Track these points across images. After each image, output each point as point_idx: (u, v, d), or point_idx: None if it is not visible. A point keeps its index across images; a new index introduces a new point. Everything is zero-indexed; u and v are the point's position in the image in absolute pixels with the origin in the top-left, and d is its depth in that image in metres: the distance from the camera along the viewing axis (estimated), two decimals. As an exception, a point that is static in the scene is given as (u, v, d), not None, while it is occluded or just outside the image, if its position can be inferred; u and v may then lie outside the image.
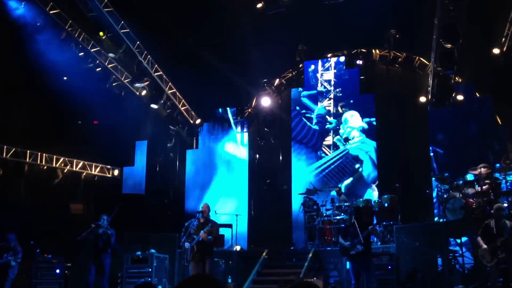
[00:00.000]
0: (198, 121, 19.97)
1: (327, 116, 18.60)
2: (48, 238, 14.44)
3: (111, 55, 17.23)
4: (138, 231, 15.30)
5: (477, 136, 16.28)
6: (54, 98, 17.38)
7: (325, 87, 18.78)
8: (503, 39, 14.71)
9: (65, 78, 17.78)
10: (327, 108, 18.68)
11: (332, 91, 18.68)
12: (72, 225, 16.07)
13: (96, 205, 17.04)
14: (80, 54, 17.79)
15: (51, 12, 16.63)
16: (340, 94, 18.54)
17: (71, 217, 18.06)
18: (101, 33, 16.50)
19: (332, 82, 18.77)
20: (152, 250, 13.70)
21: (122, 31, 16.73)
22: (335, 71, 18.77)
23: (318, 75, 18.91)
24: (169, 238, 14.62)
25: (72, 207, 18.92)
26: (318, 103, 18.79)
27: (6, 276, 12.45)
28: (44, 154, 18.79)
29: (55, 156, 19.04)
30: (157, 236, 15.31)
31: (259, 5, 17.52)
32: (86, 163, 19.79)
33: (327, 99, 18.73)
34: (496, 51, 15.03)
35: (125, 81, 18.47)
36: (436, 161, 16.71)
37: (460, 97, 16.17)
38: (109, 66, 18.15)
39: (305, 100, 19.01)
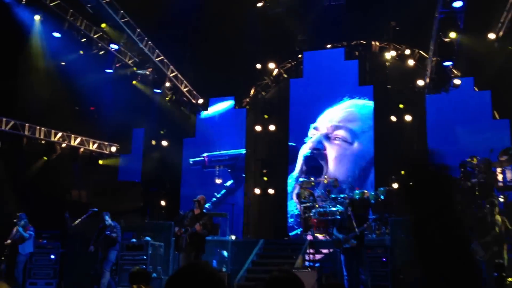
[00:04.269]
0: (200, 100, 19.55)
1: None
2: (43, 223, 14.34)
3: (113, 45, 17.25)
4: (134, 219, 15.30)
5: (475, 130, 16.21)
6: (53, 83, 17.22)
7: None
8: (499, 24, 14.65)
9: (63, 63, 17.63)
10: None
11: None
12: (68, 210, 16.00)
13: (94, 191, 16.96)
14: (82, 40, 17.54)
15: (51, 4, 16.38)
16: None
17: (67, 203, 17.96)
18: (103, 25, 16.44)
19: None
20: (148, 238, 13.71)
21: (122, 20, 16.53)
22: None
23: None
24: (164, 226, 14.62)
25: (73, 193, 18.77)
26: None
27: (17, 254, 12.72)
28: (42, 128, 18.20)
29: (53, 130, 18.54)
30: (152, 223, 15.35)
31: (260, 4, 17.47)
32: (84, 138, 19.46)
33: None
34: (491, 36, 14.96)
35: (129, 61, 18.40)
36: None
37: (457, 81, 15.83)
38: (112, 49, 17.95)
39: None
